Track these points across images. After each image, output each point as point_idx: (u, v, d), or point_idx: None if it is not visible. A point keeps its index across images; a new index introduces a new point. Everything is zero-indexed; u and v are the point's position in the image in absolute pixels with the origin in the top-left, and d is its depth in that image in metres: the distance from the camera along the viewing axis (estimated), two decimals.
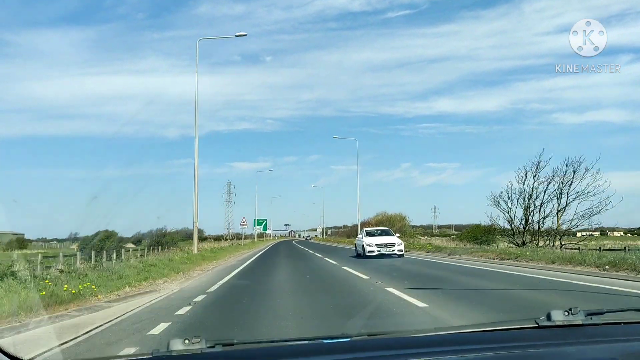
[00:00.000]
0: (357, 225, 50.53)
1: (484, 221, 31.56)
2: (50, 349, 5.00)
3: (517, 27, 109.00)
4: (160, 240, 40.02)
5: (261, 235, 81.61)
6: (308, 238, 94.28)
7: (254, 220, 64.81)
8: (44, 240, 66.11)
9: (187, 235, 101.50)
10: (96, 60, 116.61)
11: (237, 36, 27.05)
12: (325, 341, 1.82)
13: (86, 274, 10.81)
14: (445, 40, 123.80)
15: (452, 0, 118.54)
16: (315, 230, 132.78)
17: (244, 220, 55.14)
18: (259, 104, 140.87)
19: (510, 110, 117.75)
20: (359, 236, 24.78)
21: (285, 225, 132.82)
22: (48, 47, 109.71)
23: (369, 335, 1.97)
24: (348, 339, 1.83)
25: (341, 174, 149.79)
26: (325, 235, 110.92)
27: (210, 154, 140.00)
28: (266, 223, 69.28)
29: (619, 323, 1.85)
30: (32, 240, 62.23)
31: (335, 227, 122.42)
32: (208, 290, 10.35)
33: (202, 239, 73.04)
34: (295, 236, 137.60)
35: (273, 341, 1.94)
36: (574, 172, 23.35)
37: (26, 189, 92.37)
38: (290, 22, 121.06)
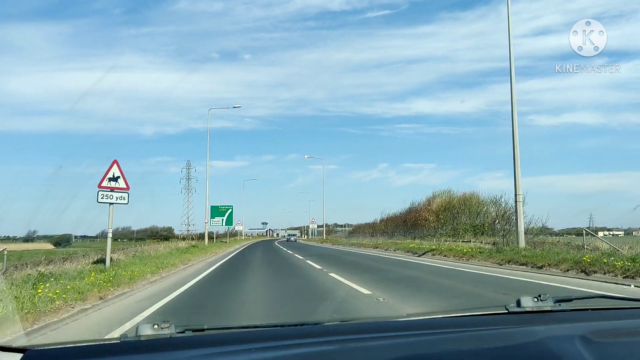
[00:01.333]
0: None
1: None
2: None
3: (494, 29, 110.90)
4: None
5: (233, 234, 72.87)
6: (291, 238, 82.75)
7: (210, 208, 46.02)
8: None
9: (152, 234, 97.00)
10: (71, 56, 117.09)
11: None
12: (298, 326, 1.85)
13: None
14: (424, 41, 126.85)
15: (431, 1, 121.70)
16: (298, 229, 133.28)
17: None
18: (237, 102, 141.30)
19: (486, 111, 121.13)
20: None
21: (263, 223, 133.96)
22: (22, 41, 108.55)
23: (340, 321, 2.03)
24: (320, 324, 1.89)
25: (318, 173, 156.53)
26: (310, 235, 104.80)
27: (187, 152, 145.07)
28: (231, 214, 48.38)
29: (587, 309, 1.94)
30: None
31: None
32: None
33: (165, 238, 69.86)
34: (273, 235, 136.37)
35: (244, 327, 1.93)
36: None
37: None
38: (269, 20, 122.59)
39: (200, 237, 59.59)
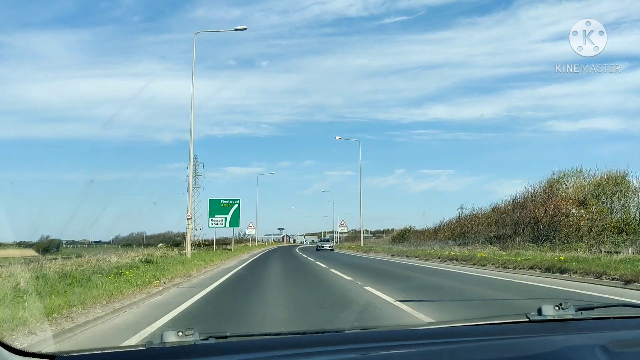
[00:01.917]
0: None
1: None
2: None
3: (513, 34, 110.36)
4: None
5: (243, 240, 64.53)
6: (325, 246, 59.78)
7: (209, 203, 38.57)
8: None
9: (165, 239, 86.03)
10: (90, 63, 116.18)
11: (236, 29, 27.88)
12: (319, 334, 1.87)
13: None
14: (441, 46, 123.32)
15: (449, 7, 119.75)
16: (316, 235, 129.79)
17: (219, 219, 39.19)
18: (254, 108, 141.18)
19: (504, 117, 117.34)
20: None
21: (279, 229, 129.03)
22: (41, 49, 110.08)
23: (361, 329, 2.08)
24: (341, 333, 1.90)
25: (335, 179, 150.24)
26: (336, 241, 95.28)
27: (204, 158, 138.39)
28: (237, 211, 38.44)
29: (609, 317, 1.93)
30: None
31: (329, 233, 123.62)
32: None
33: (177, 244, 64.77)
34: (290, 241, 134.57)
35: (267, 334, 2.00)
36: None
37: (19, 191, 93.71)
38: (286, 27, 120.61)
39: (207, 243, 53.25)
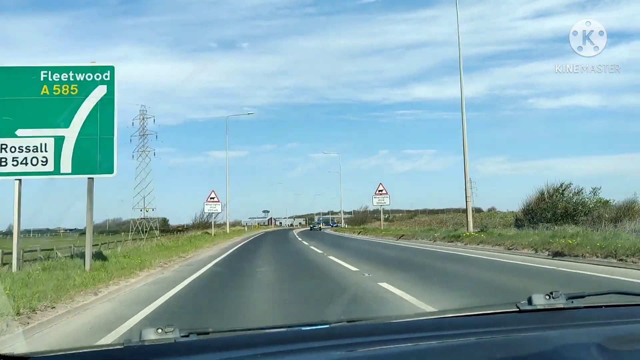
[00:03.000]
0: None
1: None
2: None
3: (495, 12, 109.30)
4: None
5: (203, 225, 53.43)
6: (326, 225, 66.40)
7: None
8: None
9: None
10: (68, 48, 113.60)
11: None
12: (303, 328, 1.83)
13: None
14: (424, 25, 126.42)
15: None
16: (303, 217, 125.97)
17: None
18: (236, 91, 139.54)
19: (486, 96, 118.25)
20: None
21: (264, 211, 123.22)
22: (16, 34, 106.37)
23: (348, 322, 1.96)
24: (327, 326, 1.86)
25: (319, 161, 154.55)
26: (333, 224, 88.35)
27: (186, 142, 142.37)
28: (97, 113, 10.69)
29: (600, 306, 1.90)
30: None
31: (323, 214, 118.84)
32: None
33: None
34: (276, 224, 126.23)
35: (249, 329, 1.93)
36: None
37: None
38: (267, 8, 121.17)
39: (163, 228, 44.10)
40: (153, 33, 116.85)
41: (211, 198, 35.08)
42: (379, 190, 35.89)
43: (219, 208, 35.63)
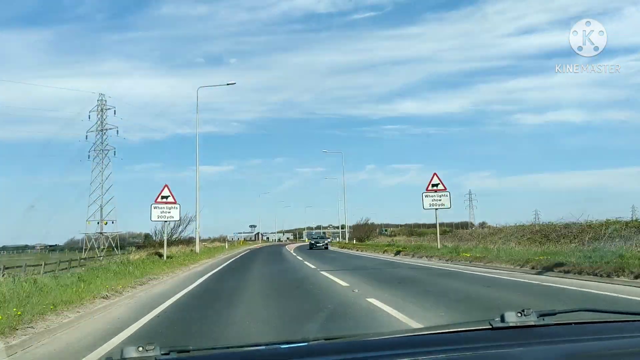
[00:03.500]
0: None
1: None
2: None
3: (480, 29, 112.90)
4: None
5: (176, 242, 39.81)
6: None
7: None
8: None
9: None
10: (54, 63, 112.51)
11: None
12: (282, 346, 1.82)
13: None
14: (410, 42, 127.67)
15: (416, 2, 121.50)
16: (290, 232, 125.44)
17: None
18: (224, 106, 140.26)
19: (472, 111, 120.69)
20: None
21: (251, 226, 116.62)
22: (2, 48, 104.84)
23: (325, 340, 2.00)
24: (305, 344, 1.86)
25: (306, 176, 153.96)
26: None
27: (173, 157, 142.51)
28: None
29: (570, 323, 1.93)
30: None
31: (316, 228, 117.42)
32: None
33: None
34: (264, 240, 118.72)
35: (229, 347, 1.96)
36: None
37: None
38: (254, 24, 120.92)
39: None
40: (140, 48, 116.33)
41: (163, 197, 21.62)
42: (433, 185, 22.46)
43: (175, 214, 22.04)
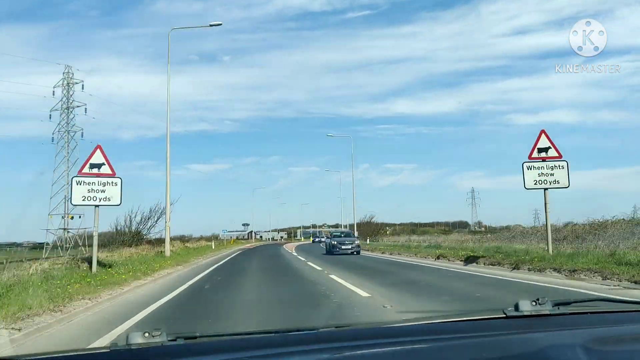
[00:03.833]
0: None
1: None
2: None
3: (474, 29, 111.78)
4: None
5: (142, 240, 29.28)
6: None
7: None
8: None
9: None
10: (45, 58, 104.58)
11: (211, 25, 24.85)
12: (291, 333, 1.83)
13: None
14: (404, 41, 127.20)
15: (411, 2, 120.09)
16: (284, 230, 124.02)
17: None
18: (217, 104, 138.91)
19: (465, 111, 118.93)
20: None
21: (244, 224, 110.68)
22: None
23: (336, 327, 1.98)
24: (314, 331, 1.82)
25: (299, 175, 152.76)
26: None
27: (164, 155, 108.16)
28: None
29: (586, 312, 1.91)
30: None
31: (305, 228, 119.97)
32: None
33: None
34: (257, 238, 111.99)
35: (237, 334, 1.95)
36: None
37: None
38: (249, 22, 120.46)
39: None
40: (133, 45, 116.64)
41: (93, 166, 12.83)
42: (541, 150, 13.64)
43: (114, 195, 13.01)
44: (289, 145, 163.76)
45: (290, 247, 45.90)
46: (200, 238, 62.77)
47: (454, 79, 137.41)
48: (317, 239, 77.50)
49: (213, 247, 42.60)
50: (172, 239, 49.06)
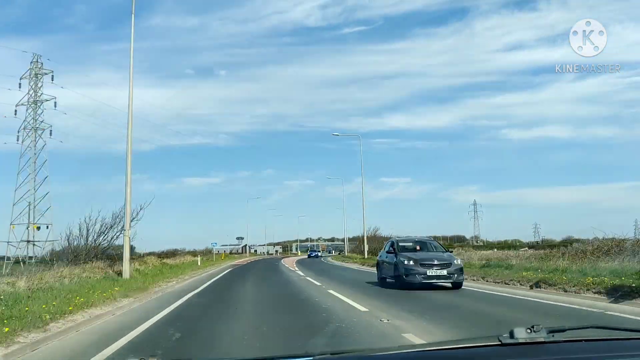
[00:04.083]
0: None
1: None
2: None
3: (467, 45, 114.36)
4: None
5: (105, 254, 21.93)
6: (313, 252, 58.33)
7: None
8: None
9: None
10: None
11: None
12: (286, 359, 1.50)
13: None
14: (399, 56, 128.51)
15: (406, 18, 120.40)
16: (279, 244, 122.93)
17: None
18: (213, 118, 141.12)
19: (460, 126, 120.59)
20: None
21: (238, 238, 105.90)
22: None
23: (332, 354, 1.89)
24: (310, 358, 1.80)
25: (295, 189, 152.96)
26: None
27: (160, 169, 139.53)
28: None
29: (580, 340, 1.91)
30: None
31: (301, 241, 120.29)
32: None
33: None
34: (251, 252, 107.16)
35: (232, 359, 0.88)
36: None
37: None
38: (245, 36, 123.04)
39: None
40: (129, 59, 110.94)
41: None
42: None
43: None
44: (284, 158, 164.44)
45: (290, 264, 39.18)
46: (194, 252, 57.83)
47: (449, 94, 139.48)
48: (313, 253, 72.00)
49: (199, 264, 35.87)
50: (155, 254, 42.98)
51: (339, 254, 79.52)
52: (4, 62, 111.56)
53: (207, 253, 58.51)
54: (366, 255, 42.55)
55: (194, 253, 54.94)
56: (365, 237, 44.06)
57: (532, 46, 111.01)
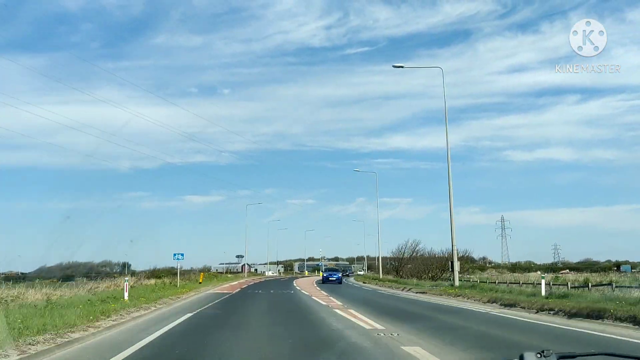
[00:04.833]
0: None
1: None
2: None
3: (470, 66, 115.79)
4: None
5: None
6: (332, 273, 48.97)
7: None
8: None
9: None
10: (47, 89, 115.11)
11: None
12: None
13: None
14: (402, 77, 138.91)
15: (410, 39, 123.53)
16: (282, 263, 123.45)
17: None
18: (215, 136, 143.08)
19: (462, 147, 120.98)
20: None
21: (238, 256, 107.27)
22: None
23: None
24: None
25: (296, 207, 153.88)
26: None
27: (162, 187, 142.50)
28: None
29: None
30: None
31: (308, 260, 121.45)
32: None
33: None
34: (251, 271, 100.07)
35: None
36: None
37: None
38: (248, 56, 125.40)
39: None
40: (133, 77, 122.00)
41: None
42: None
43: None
44: (286, 177, 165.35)
45: (327, 299, 21.47)
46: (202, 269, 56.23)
47: (451, 115, 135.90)
48: (333, 276, 46.37)
49: (178, 285, 29.15)
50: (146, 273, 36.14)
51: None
52: (8, 78, 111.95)
53: (204, 270, 55.97)
54: (380, 276, 35.13)
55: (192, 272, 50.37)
56: (379, 258, 37.01)
57: (534, 69, 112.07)
